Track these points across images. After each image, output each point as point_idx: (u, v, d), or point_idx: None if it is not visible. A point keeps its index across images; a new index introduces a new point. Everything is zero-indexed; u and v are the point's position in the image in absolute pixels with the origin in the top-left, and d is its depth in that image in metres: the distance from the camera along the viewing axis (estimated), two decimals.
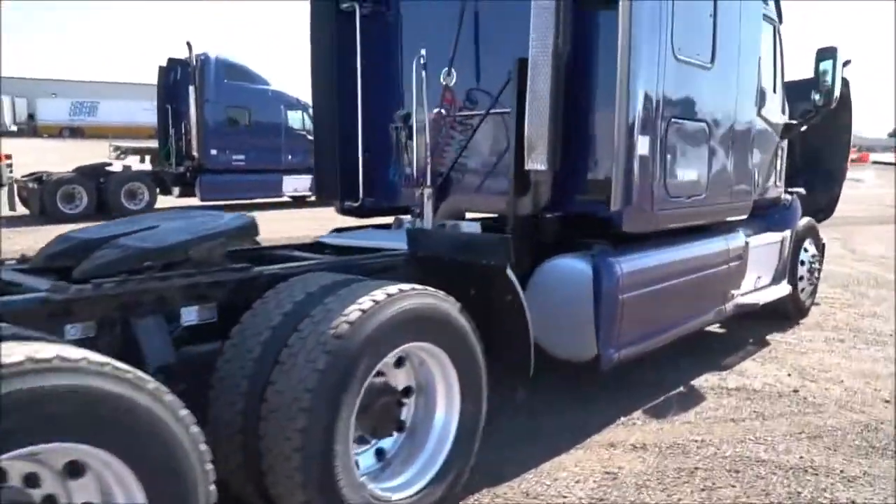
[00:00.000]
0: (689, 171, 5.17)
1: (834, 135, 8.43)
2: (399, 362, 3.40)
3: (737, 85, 5.63)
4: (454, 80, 5.14)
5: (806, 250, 7.58)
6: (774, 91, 6.73)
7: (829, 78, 6.55)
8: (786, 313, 7.42)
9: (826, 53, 6.56)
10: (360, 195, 5.75)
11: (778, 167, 7.05)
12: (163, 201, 17.90)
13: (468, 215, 5.33)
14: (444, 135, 5.35)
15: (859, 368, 5.96)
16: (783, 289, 6.90)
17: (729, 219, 6.00)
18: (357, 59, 5.65)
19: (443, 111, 5.30)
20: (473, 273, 3.97)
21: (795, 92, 7.80)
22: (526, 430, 4.53)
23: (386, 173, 5.84)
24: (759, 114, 6.18)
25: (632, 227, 4.67)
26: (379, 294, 3.13)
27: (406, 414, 3.52)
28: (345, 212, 6.02)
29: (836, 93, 6.60)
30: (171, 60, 18.34)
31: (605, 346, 4.51)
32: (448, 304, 3.45)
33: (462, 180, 5.33)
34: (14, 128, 55.66)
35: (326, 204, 6.31)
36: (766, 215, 7.10)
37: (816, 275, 7.80)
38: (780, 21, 6.82)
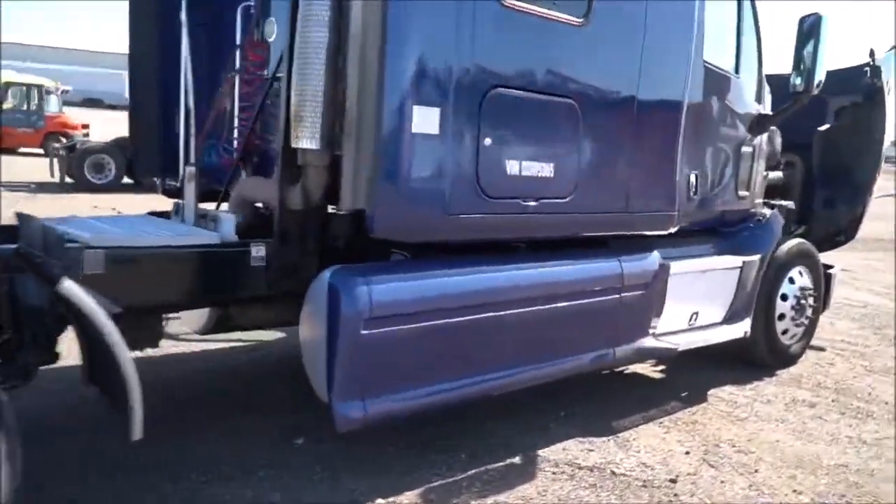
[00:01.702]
0: (537, 164, 3.76)
1: (863, 140, 6.63)
2: None
3: (641, 55, 4.14)
4: (274, 35, 3.95)
5: (792, 281, 5.87)
6: (738, 73, 5.10)
7: (809, 53, 4.87)
8: (756, 359, 5.77)
9: (809, 23, 4.88)
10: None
11: (746, 172, 5.40)
12: None
13: None
14: (234, 103, 4.21)
15: (800, 452, 4.33)
16: (736, 329, 5.27)
17: (639, 232, 4.50)
18: (182, 13, 4.55)
19: (240, 73, 4.17)
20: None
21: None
22: None
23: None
24: (700, 99, 4.62)
25: (396, 234, 3.37)
26: None
27: None
28: (167, 193, 4.93)
29: (819, 75, 4.91)
30: None
31: (339, 397, 3.22)
32: None
33: (251, 162, 4.14)
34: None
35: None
36: (729, 233, 5.49)
37: (810, 313, 6.05)
38: None
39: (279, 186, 3.51)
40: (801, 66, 4.95)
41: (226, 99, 4.18)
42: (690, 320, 5.04)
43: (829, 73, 7.29)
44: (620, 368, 5.35)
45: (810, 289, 5.99)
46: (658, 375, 5.54)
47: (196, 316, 4.35)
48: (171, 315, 4.35)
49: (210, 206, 4.17)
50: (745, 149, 5.32)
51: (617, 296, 4.32)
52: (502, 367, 3.83)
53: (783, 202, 6.10)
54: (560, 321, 4.10)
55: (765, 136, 5.64)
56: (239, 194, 4.00)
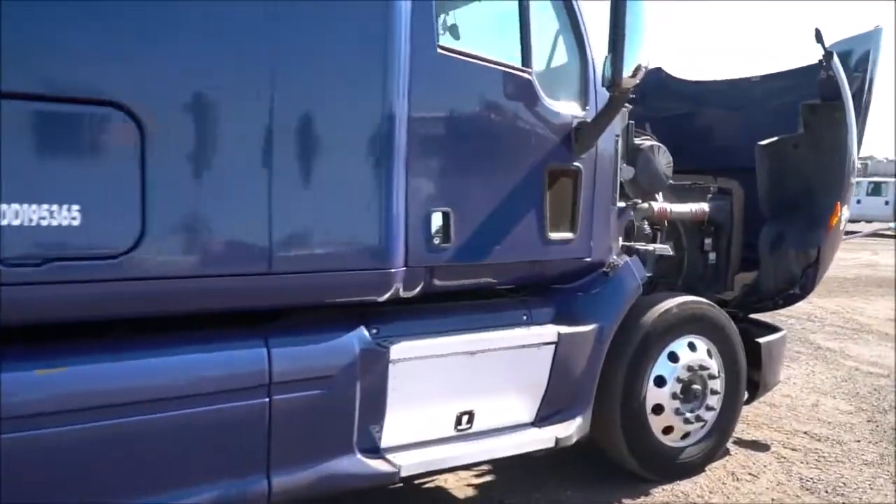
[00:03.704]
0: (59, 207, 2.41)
1: (822, 155, 4.85)
2: None
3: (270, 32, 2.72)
4: None
5: (675, 358, 4.12)
6: (527, 66, 3.54)
7: (616, 33, 3.28)
8: (625, 469, 4.05)
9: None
10: None
11: (568, 204, 3.76)
12: None
13: None
14: None
15: None
16: (544, 436, 3.60)
17: (306, 303, 3.04)
18: None
19: None
20: None
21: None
22: None
23: None
24: (437, 102, 3.18)
25: None
26: None
27: None
28: None
29: (628, 64, 3.29)
30: None
31: None
32: None
33: None
34: None
35: None
36: (558, 294, 3.88)
37: (716, 402, 4.25)
38: None
39: None
40: (609, 53, 3.35)
41: None
42: (459, 425, 3.44)
43: (786, 73, 5.59)
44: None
45: (709, 369, 4.20)
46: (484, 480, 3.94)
47: None
48: None
49: None
50: (561, 170, 3.70)
51: (263, 399, 2.84)
52: None
53: (654, 246, 4.37)
54: (149, 443, 2.68)
55: (615, 153, 3.99)
56: None
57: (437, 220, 3.26)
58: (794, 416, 5.44)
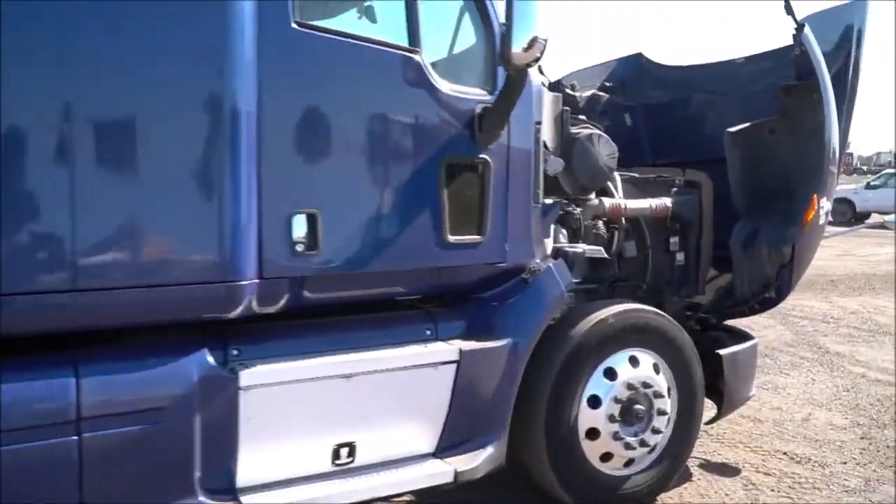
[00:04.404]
0: None
1: (799, 142, 4.32)
2: None
3: None
4: None
5: (612, 375, 3.62)
6: (416, 46, 3.07)
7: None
8: (555, 497, 3.57)
9: None
10: None
11: (473, 201, 3.28)
12: None
13: None
14: None
15: None
16: (442, 469, 3.13)
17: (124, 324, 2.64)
18: None
19: None
20: None
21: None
22: None
23: None
24: (296, 87, 2.77)
25: None
26: None
27: None
28: None
29: (517, 40, 2.81)
30: None
31: None
32: None
33: None
34: None
35: None
36: (469, 306, 3.41)
37: (665, 425, 3.73)
38: None
39: None
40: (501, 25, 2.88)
41: None
42: (337, 459, 2.99)
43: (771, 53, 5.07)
44: None
45: (653, 386, 3.67)
46: None
47: None
48: None
49: None
50: (464, 163, 3.22)
51: (69, 438, 2.43)
52: None
53: (583, 247, 3.84)
54: None
55: (535, 143, 3.49)
56: None
57: (300, 224, 2.82)
58: (779, 432, 4.86)
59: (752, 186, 4.53)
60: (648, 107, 5.74)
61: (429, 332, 3.26)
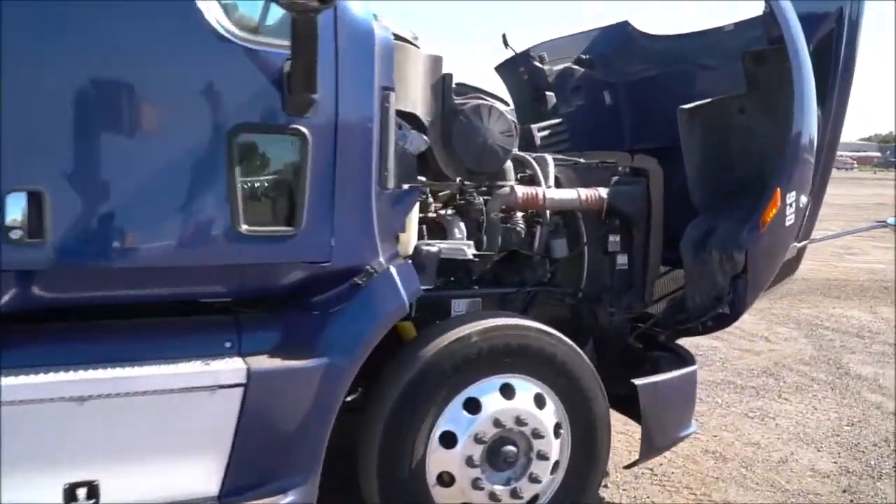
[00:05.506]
0: None
1: (771, 120, 3.50)
2: None
3: None
4: None
5: (475, 407, 2.89)
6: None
7: None
8: None
9: None
10: None
11: (273, 188, 2.60)
12: None
13: None
14: None
15: None
16: None
17: None
18: None
19: None
20: None
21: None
22: None
23: None
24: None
25: None
26: None
27: None
28: None
29: None
30: None
31: None
32: None
33: None
34: None
35: None
36: (281, 314, 2.77)
37: (542, 470, 2.98)
38: None
39: None
40: None
41: None
42: (73, 501, 2.38)
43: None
44: None
45: (528, 423, 2.92)
46: None
47: None
48: None
49: None
50: (264, 133, 2.54)
51: None
52: None
53: (444, 244, 3.09)
54: None
55: (382, 113, 2.76)
56: None
57: (17, 205, 2.21)
58: (740, 477, 4.01)
59: (713, 177, 3.72)
60: (632, 83, 4.93)
61: (229, 345, 2.61)
